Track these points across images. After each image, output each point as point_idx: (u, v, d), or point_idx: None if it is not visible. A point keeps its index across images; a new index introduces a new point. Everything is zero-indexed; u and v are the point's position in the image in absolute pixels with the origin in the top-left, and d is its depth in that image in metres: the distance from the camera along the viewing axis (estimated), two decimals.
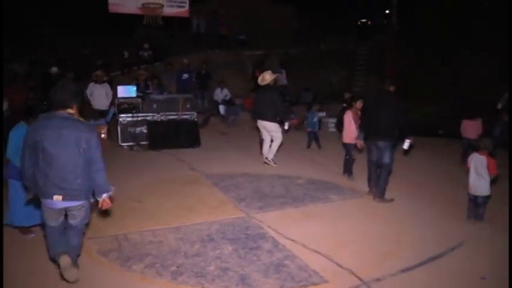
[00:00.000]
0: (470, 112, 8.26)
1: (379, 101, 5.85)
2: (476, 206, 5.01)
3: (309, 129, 9.35)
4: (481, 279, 3.75)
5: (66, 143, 3.13)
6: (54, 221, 3.34)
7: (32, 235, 4.43)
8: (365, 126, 5.97)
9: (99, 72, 9.98)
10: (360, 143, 6.13)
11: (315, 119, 9.37)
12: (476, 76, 13.25)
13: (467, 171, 5.16)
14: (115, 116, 9.25)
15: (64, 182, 3.14)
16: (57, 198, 3.16)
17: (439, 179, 7.09)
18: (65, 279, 3.30)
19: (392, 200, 5.72)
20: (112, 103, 9.71)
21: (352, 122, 6.73)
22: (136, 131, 8.97)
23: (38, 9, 14.66)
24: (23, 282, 3.59)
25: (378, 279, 3.67)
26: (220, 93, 12.58)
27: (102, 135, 8.36)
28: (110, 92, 9.87)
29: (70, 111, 3.25)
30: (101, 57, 13.29)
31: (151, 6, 11.28)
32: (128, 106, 9.13)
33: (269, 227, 4.76)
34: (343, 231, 4.73)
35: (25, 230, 4.44)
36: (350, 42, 17.66)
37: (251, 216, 5.09)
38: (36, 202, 3.52)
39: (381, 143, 5.67)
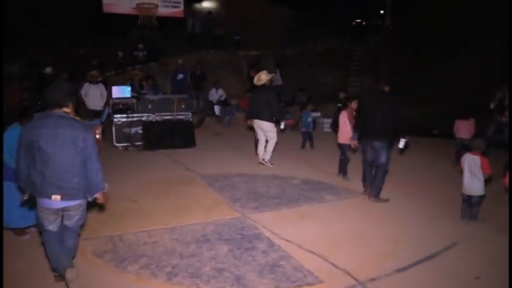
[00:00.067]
0: (463, 112, 8.31)
1: (374, 101, 5.85)
2: (470, 205, 5.03)
3: (304, 130, 9.38)
4: (476, 279, 3.77)
5: (62, 141, 3.12)
6: (51, 224, 3.30)
7: (27, 236, 4.41)
8: (359, 126, 5.98)
9: (94, 72, 9.92)
10: (355, 143, 6.14)
11: (309, 119, 9.39)
12: (471, 76, 13.32)
13: (461, 171, 5.19)
14: (110, 117, 9.21)
15: (61, 181, 3.13)
16: (55, 197, 3.14)
17: (435, 178, 7.12)
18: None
19: (387, 200, 5.74)
20: (107, 103, 9.64)
21: (347, 122, 6.75)
22: (131, 132, 8.94)
23: (32, 10, 14.56)
24: (23, 282, 3.58)
25: (373, 279, 3.68)
26: (216, 94, 12.55)
27: (97, 136, 8.26)
28: (105, 93, 9.81)
29: (66, 110, 3.24)
30: (96, 57, 13.24)
31: (146, 6, 11.19)
32: (122, 106, 9.08)
33: (264, 227, 4.76)
34: (338, 231, 4.74)
35: (20, 231, 4.41)
36: (345, 43, 17.71)
37: (246, 217, 5.09)
38: (31, 203, 3.49)
39: (377, 143, 5.68)
